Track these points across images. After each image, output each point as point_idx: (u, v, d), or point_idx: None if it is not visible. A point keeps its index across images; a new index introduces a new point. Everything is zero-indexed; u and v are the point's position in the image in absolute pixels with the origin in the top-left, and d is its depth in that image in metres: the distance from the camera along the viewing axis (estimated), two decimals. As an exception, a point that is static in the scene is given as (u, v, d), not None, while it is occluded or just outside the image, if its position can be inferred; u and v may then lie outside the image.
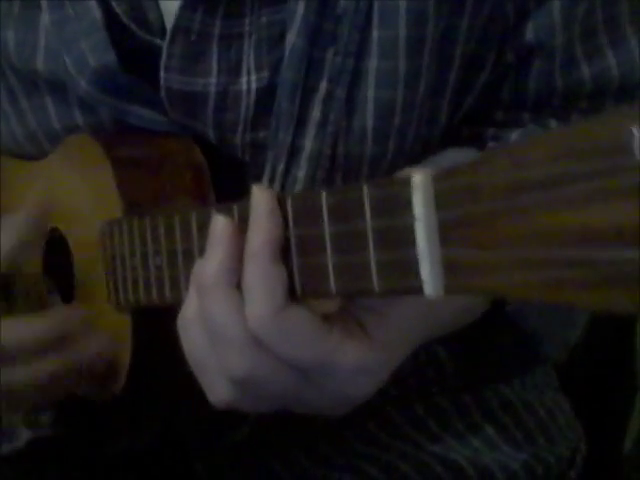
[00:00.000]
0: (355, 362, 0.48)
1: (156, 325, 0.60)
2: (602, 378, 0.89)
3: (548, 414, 0.80)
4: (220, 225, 0.49)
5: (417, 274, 0.38)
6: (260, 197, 0.47)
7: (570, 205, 0.32)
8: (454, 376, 0.76)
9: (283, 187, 0.67)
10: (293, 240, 0.46)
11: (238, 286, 0.48)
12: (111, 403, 0.66)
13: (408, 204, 0.38)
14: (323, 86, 0.64)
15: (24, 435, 0.76)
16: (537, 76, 0.69)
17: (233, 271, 0.48)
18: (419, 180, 0.38)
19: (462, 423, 0.77)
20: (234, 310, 0.48)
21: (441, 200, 0.37)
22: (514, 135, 0.71)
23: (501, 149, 0.35)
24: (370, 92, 0.65)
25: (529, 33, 0.67)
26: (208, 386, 0.52)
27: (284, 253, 0.46)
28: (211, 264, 0.49)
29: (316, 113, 0.65)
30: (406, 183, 0.38)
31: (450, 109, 0.69)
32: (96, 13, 0.66)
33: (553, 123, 0.71)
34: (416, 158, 0.70)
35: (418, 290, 0.39)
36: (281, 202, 0.46)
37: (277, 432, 0.75)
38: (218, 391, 0.51)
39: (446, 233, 0.37)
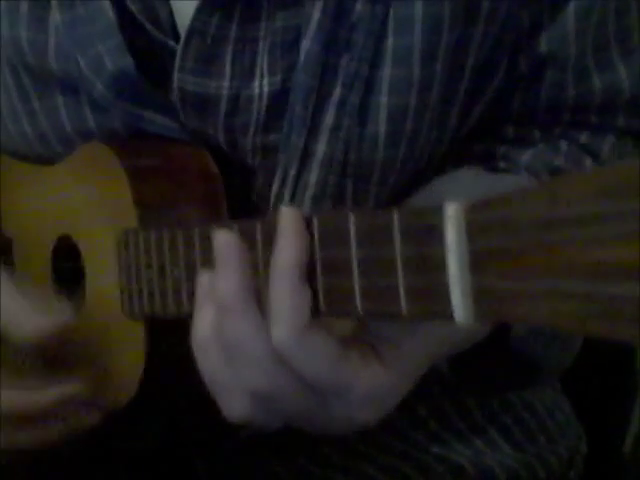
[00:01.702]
0: (368, 388, 0.49)
1: (170, 333, 0.61)
2: (602, 378, 0.89)
3: (548, 414, 0.81)
4: (227, 242, 0.49)
5: (448, 301, 0.39)
6: (289, 216, 0.47)
7: (602, 242, 0.33)
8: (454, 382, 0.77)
9: (294, 191, 0.67)
10: (319, 261, 0.46)
11: (257, 301, 0.49)
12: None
13: (440, 234, 0.39)
14: (337, 92, 0.64)
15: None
16: (549, 87, 0.69)
17: (252, 287, 0.49)
18: (452, 210, 0.38)
19: (463, 423, 0.78)
20: (254, 328, 0.49)
21: (473, 231, 0.38)
22: (525, 156, 0.71)
23: (537, 185, 0.35)
24: (383, 99, 0.65)
25: (543, 43, 0.67)
26: (225, 402, 0.52)
27: (309, 273, 0.47)
28: (229, 281, 0.49)
29: (329, 118, 0.65)
30: (438, 212, 0.39)
31: (459, 117, 0.69)
32: (110, 14, 0.65)
33: (563, 145, 0.71)
34: (423, 166, 0.70)
35: (448, 316, 0.39)
36: (307, 222, 0.47)
37: (277, 432, 0.75)
38: (235, 407, 0.52)
39: (478, 263, 0.38)
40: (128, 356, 0.64)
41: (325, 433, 0.53)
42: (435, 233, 0.39)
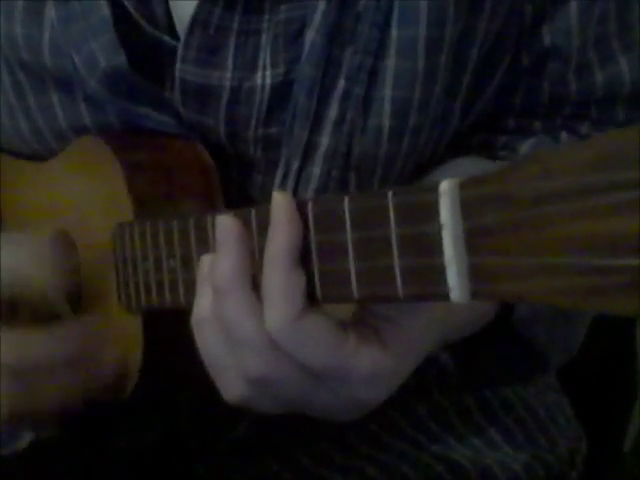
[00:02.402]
0: (369, 369, 0.49)
1: (167, 327, 0.60)
2: (602, 378, 0.89)
3: (548, 414, 0.80)
4: (228, 225, 0.49)
5: (444, 280, 0.39)
6: (280, 202, 0.47)
7: (595, 214, 0.33)
8: (455, 377, 0.77)
9: (297, 184, 0.67)
10: (314, 245, 0.46)
11: (253, 287, 0.49)
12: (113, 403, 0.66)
13: (435, 211, 0.39)
14: (341, 84, 0.65)
15: (26, 436, 0.76)
16: (551, 80, 0.69)
17: (248, 272, 0.49)
18: (446, 187, 0.38)
19: (463, 423, 0.77)
20: (250, 312, 0.49)
21: (468, 208, 0.38)
22: (525, 146, 0.71)
23: (529, 158, 0.35)
24: (387, 91, 0.65)
25: (545, 37, 0.67)
26: (223, 384, 0.52)
27: (304, 258, 0.46)
28: (225, 265, 0.49)
29: (333, 111, 0.65)
30: (433, 190, 0.39)
31: (462, 110, 0.69)
32: (105, 10, 0.65)
33: (564, 135, 0.71)
34: (426, 159, 0.70)
35: (445, 296, 0.39)
36: (302, 207, 0.46)
37: (277, 431, 0.75)
38: (233, 389, 0.52)
39: (473, 240, 0.38)
40: (126, 350, 0.64)
41: (333, 418, 0.53)
42: (430, 211, 0.39)
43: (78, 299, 0.69)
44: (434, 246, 0.39)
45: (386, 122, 0.66)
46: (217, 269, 0.50)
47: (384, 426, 0.76)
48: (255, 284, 0.49)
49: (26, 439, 0.76)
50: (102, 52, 0.66)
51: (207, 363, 0.52)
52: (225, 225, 0.50)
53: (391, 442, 0.76)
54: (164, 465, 0.77)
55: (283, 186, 0.67)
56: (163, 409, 0.71)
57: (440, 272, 0.39)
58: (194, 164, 0.67)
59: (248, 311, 0.49)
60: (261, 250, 0.48)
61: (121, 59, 0.66)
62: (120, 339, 0.65)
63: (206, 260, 0.51)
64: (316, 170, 0.67)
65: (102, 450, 0.75)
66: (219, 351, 0.51)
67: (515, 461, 0.77)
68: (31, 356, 0.61)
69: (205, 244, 0.53)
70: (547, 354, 0.66)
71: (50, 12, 0.67)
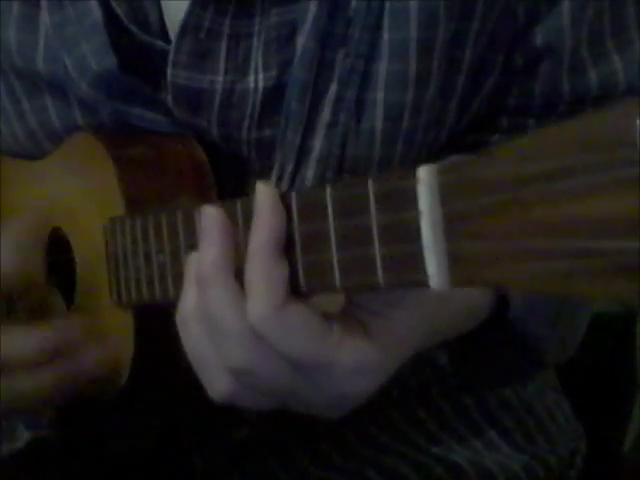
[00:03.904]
0: (354, 361, 0.48)
1: (158, 322, 0.60)
2: (602, 378, 0.89)
3: (548, 414, 0.80)
4: (211, 215, 0.49)
5: (423, 267, 0.39)
6: (263, 193, 0.47)
7: (575, 197, 0.32)
8: (454, 378, 0.76)
9: (291, 187, 0.67)
10: (298, 236, 0.46)
11: (237, 278, 0.49)
12: (111, 402, 0.66)
13: (413, 197, 0.38)
14: (333, 87, 0.64)
15: (24, 435, 0.76)
16: (544, 80, 0.69)
17: (231, 262, 0.49)
18: (424, 173, 0.38)
19: (462, 424, 0.77)
20: (233, 301, 0.49)
21: (446, 193, 0.37)
22: None
23: (508, 142, 0.35)
24: (380, 94, 0.65)
25: (538, 36, 0.67)
26: (207, 379, 0.52)
27: (288, 249, 0.46)
28: (209, 254, 0.49)
29: (326, 114, 0.65)
30: (410, 176, 0.38)
31: (457, 112, 0.69)
32: (96, 14, 0.66)
33: None
34: (423, 160, 0.70)
35: (424, 283, 0.39)
36: (286, 198, 0.46)
37: (277, 432, 0.75)
38: (217, 384, 0.51)
39: (451, 226, 0.37)
40: (118, 346, 0.64)
41: (319, 413, 0.53)
42: (408, 197, 0.39)
43: (73, 295, 0.69)
44: (413, 233, 0.39)
45: (379, 125, 0.66)
46: (201, 259, 0.49)
47: (384, 427, 0.76)
48: (239, 275, 0.48)
49: (23, 439, 0.76)
50: (93, 55, 0.66)
51: (191, 359, 0.52)
52: (209, 215, 0.50)
53: (391, 443, 0.76)
54: (163, 466, 0.77)
55: (278, 188, 0.67)
56: (162, 408, 0.71)
57: (419, 259, 0.39)
58: (187, 160, 0.67)
59: (231, 301, 0.48)
60: (246, 242, 0.48)
61: (111, 61, 0.66)
62: (112, 334, 0.65)
63: (192, 258, 0.51)
64: (310, 173, 0.67)
65: (101, 450, 0.75)
66: (203, 345, 0.51)
67: (515, 461, 0.77)
68: (15, 346, 0.61)
69: (193, 238, 0.53)
70: (543, 350, 0.66)
71: (45, 18, 0.68)
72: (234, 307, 0.48)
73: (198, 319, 0.50)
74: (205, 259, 0.49)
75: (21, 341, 0.62)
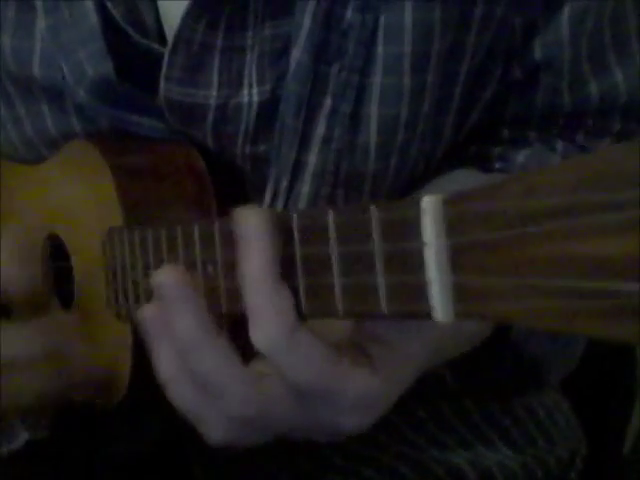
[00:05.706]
0: (359, 392, 0.47)
1: None
2: (602, 379, 0.89)
3: (548, 415, 0.80)
4: (172, 280, 0.48)
5: (426, 299, 0.38)
6: (246, 219, 0.45)
7: (579, 235, 0.32)
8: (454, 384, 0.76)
9: (286, 203, 0.67)
10: (299, 259, 0.45)
11: (219, 333, 0.48)
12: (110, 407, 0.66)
13: (417, 228, 0.38)
14: (328, 102, 0.64)
15: (23, 436, 0.76)
16: (544, 93, 0.68)
17: (209, 322, 0.48)
18: (429, 203, 0.37)
19: (462, 426, 0.77)
20: (223, 359, 0.48)
21: (451, 225, 0.37)
22: (520, 157, 0.70)
23: (515, 176, 0.34)
24: (374, 108, 0.64)
25: (537, 49, 0.66)
26: (205, 430, 0.51)
27: (289, 272, 0.45)
28: (184, 321, 0.48)
29: (320, 128, 0.64)
30: (415, 206, 0.38)
31: (454, 125, 0.68)
32: (93, 18, 0.65)
33: (559, 144, 0.71)
34: (418, 175, 0.69)
35: (427, 315, 0.38)
36: (287, 220, 0.45)
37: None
38: (216, 434, 0.50)
39: (456, 258, 0.37)
40: (116, 357, 0.63)
41: (309, 439, 0.52)
42: (412, 227, 0.38)
43: (70, 303, 0.69)
44: (417, 263, 0.38)
45: (373, 140, 0.65)
46: (177, 326, 0.48)
47: (383, 429, 0.76)
48: (220, 328, 0.48)
49: (22, 440, 0.76)
50: (90, 61, 0.65)
51: (187, 417, 0.51)
52: (170, 280, 0.48)
53: (390, 445, 0.76)
54: (162, 467, 0.77)
55: (273, 204, 0.67)
56: (161, 412, 0.70)
57: (422, 291, 0.38)
58: (186, 167, 0.66)
59: (222, 358, 0.47)
60: (226, 261, 0.47)
61: (108, 67, 0.65)
62: (109, 342, 0.65)
63: (153, 313, 0.49)
64: (305, 188, 0.66)
65: (100, 452, 0.75)
66: (196, 403, 0.49)
67: (514, 463, 0.77)
68: (8, 346, 0.61)
69: (192, 253, 0.52)
70: (546, 371, 0.66)
71: (40, 23, 0.67)
72: (225, 363, 0.47)
73: (186, 380, 0.49)
74: (183, 327, 0.48)
75: (12, 341, 0.62)
